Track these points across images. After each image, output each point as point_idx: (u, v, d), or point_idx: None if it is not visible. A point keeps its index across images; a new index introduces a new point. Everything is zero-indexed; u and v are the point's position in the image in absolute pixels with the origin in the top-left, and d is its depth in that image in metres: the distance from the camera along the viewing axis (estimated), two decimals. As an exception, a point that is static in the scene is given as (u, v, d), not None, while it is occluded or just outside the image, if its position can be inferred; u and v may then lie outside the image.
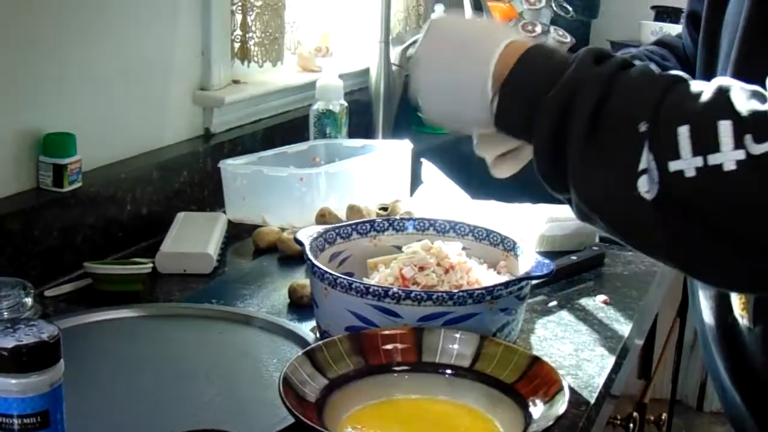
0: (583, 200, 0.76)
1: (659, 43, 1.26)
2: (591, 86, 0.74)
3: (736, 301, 1.02)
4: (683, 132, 0.69)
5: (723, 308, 1.05)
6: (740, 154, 0.67)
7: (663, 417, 1.82)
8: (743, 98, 0.69)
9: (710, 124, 0.69)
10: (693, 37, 1.18)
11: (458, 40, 0.85)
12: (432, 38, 0.87)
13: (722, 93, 0.70)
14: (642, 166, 0.70)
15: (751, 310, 1.00)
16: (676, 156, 0.69)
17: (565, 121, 0.75)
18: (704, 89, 0.72)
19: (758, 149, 0.67)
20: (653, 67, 0.81)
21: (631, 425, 1.42)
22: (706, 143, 0.68)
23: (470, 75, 0.82)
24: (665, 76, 0.75)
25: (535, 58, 0.80)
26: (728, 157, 0.68)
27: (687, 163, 0.69)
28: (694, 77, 1.18)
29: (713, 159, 0.68)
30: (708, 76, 1.00)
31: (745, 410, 1.08)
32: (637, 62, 0.78)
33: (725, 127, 0.68)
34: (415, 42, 1.77)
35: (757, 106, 0.69)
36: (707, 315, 1.09)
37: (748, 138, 0.67)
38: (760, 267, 0.70)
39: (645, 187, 0.70)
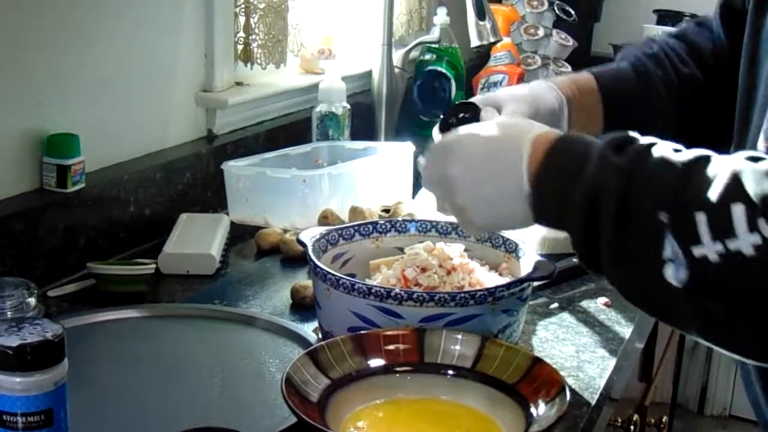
0: (617, 289, 0.78)
1: (682, 36, 1.20)
2: (612, 182, 0.76)
3: None
4: (701, 219, 0.70)
5: None
6: (756, 239, 0.68)
7: (664, 420, 1.82)
8: (755, 181, 0.70)
9: (725, 210, 0.70)
10: (726, 32, 1.14)
11: (484, 152, 0.86)
12: (459, 157, 0.87)
13: (735, 177, 0.71)
14: (667, 255, 0.72)
15: None
16: (699, 242, 0.70)
17: (593, 218, 0.77)
18: (720, 171, 0.72)
19: None
20: (672, 147, 0.81)
21: (632, 428, 1.42)
22: (722, 229, 0.69)
23: (508, 181, 0.84)
24: (685, 160, 0.75)
25: (559, 155, 0.82)
26: (745, 241, 0.68)
27: (709, 249, 0.70)
28: (712, 76, 1.15)
29: (732, 244, 0.69)
30: (749, 98, 0.99)
31: None
32: (656, 144, 0.78)
33: (738, 212, 0.69)
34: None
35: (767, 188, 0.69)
36: None
37: (761, 222, 0.68)
38: None
39: (672, 274, 0.72)
